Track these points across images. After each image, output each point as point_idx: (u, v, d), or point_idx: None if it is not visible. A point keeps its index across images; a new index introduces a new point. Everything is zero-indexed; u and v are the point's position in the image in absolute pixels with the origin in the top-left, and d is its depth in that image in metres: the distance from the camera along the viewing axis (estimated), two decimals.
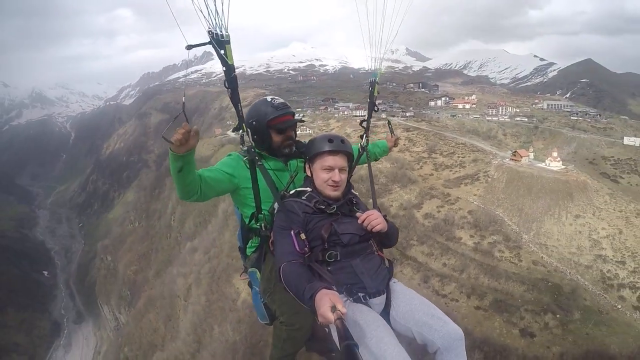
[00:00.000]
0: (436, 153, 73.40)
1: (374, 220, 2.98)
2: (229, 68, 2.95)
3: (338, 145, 3.20)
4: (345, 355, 1.92)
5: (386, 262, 3.20)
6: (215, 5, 2.67)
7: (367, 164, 4.37)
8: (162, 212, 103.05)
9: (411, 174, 64.35)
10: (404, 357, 2.46)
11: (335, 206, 3.11)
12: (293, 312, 3.28)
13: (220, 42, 2.83)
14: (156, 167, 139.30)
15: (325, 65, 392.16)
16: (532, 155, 71.57)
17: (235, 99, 3.12)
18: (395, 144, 4.78)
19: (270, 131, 3.45)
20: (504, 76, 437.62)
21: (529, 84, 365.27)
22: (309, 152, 3.29)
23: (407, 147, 75.78)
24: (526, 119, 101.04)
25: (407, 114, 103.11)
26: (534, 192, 57.69)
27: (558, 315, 37.61)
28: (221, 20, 2.78)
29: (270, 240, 3.21)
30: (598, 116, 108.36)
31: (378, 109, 4.31)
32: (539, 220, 52.74)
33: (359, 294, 2.86)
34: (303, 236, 2.90)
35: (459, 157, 71.43)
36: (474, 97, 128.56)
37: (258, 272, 3.56)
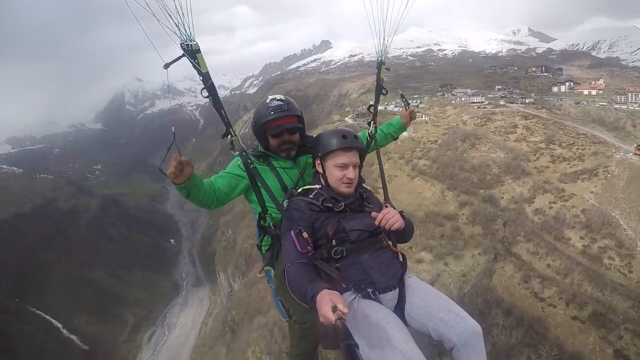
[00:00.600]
0: (554, 144, 67.40)
1: (391, 219, 2.89)
2: (204, 76, 2.97)
3: (352, 142, 3.15)
4: (346, 355, 1.90)
5: (399, 256, 3.14)
6: (180, 18, 2.72)
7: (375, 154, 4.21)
8: None
9: (526, 166, 59.92)
10: (416, 352, 2.41)
11: (343, 204, 3.07)
12: (304, 310, 3.21)
13: (191, 53, 2.87)
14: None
15: (444, 50, 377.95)
16: None
17: (217, 106, 3.11)
18: (412, 117, 4.33)
19: (266, 134, 3.44)
20: (637, 57, 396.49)
21: None
22: (320, 149, 3.20)
23: (524, 137, 71.37)
24: None
25: (527, 101, 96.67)
26: None
27: None
28: (187, 31, 2.81)
29: (281, 240, 3.15)
30: None
31: (387, 92, 4.09)
32: None
33: (368, 289, 2.82)
34: (305, 235, 2.87)
35: (578, 149, 65.24)
36: (601, 82, 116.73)
37: (272, 271, 3.58)
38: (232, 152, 3.37)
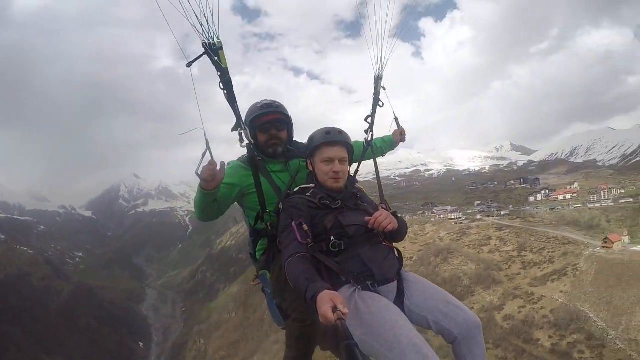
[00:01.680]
0: (526, 250, 71.45)
1: (384, 221, 2.92)
2: (223, 71, 3.10)
3: (335, 136, 3.21)
4: (346, 355, 1.90)
5: (395, 251, 3.14)
6: (206, 18, 2.88)
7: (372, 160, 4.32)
8: (257, 306, 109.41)
9: (496, 275, 62.72)
10: (420, 339, 2.42)
11: (340, 201, 3.11)
12: (304, 308, 3.15)
13: (213, 50, 3.03)
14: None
15: (431, 170, 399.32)
16: (626, 238, 67.00)
17: (231, 99, 3.23)
18: (402, 139, 4.76)
19: (256, 131, 3.54)
20: (612, 156, 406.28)
21: (639, 158, 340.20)
22: (308, 148, 3.31)
23: (497, 247, 74.65)
24: (631, 200, 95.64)
25: (503, 213, 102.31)
26: (625, 280, 53.33)
27: None
28: (212, 30, 2.98)
29: (278, 240, 3.15)
30: None
31: (383, 104, 4.35)
32: (629, 312, 48.05)
33: (367, 282, 2.83)
34: (305, 227, 2.89)
35: (548, 252, 68.80)
36: (576, 185, 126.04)
37: (268, 274, 3.57)
38: (240, 144, 3.41)
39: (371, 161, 4.32)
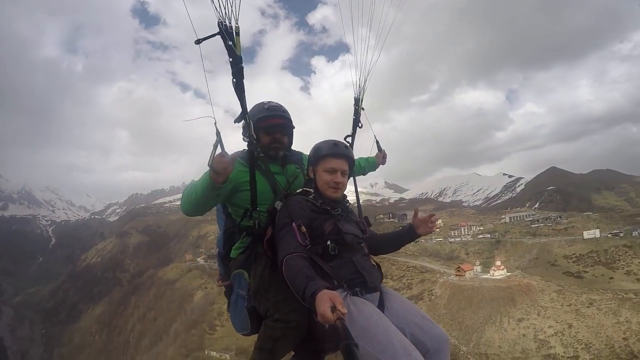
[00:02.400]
0: (387, 277, 76.90)
1: (434, 223, 3.45)
2: (236, 59, 2.94)
3: (342, 150, 3.29)
4: (345, 355, 1.91)
5: (377, 266, 3.29)
6: None
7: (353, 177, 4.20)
8: (122, 328, 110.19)
9: None
10: (409, 344, 2.51)
11: (340, 208, 3.21)
12: (291, 309, 3.02)
13: (229, 33, 2.85)
14: (129, 287, 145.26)
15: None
16: (479, 268, 76.17)
17: (239, 89, 3.08)
18: (383, 162, 4.99)
19: (260, 131, 3.46)
20: (477, 198, 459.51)
21: (499, 201, 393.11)
22: (313, 156, 3.33)
23: None
24: (489, 235, 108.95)
25: None
26: (475, 303, 60.37)
27: None
28: (231, 11, 2.79)
29: (265, 239, 3.15)
30: (559, 218, 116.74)
31: (362, 125, 4.47)
32: (479, 330, 54.85)
33: (356, 288, 2.91)
34: (304, 229, 2.91)
35: (407, 279, 76.55)
36: (439, 222, 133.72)
37: (245, 274, 3.41)
38: (243, 138, 3.36)
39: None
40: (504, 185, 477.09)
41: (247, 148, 3.35)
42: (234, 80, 3.01)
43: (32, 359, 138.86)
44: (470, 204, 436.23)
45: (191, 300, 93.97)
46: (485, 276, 71.27)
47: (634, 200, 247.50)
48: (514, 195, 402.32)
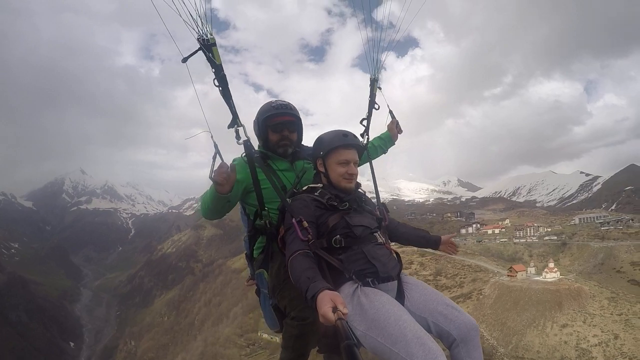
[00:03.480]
0: (441, 275, 77.81)
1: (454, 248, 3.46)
2: (217, 68, 3.08)
3: (353, 140, 3.25)
4: (346, 355, 1.89)
5: (394, 254, 3.19)
6: (198, 14, 2.88)
7: (369, 163, 4.31)
8: (189, 311, 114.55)
9: None
10: (424, 332, 2.41)
11: (347, 203, 3.11)
12: (305, 306, 2.88)
13: (207, 46, 3.01)
14: (202, 276, 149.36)
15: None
16: (532, 269, 72.93)
17: (226, 96, 3.18)
18: (399, 130, 4.73)
19: (268, 129, 3.51)
20: (552, 197, 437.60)
21: (574, 201, 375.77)
22: (322, 148, 3.25)
23: (416, 271, 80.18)
24: (555, 237, 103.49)
25: None
26: (520, 305, 58.14)
27: None
28: (205, 27, 2.99)
29: (279, 237, 3.14)
30: (630, 221, 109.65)
31: (379, 107, 4.36)
32: (520, 333, 52.81)
33: (368, 278, 2.82)
34: (305, 224, 2.87)
35: (460, 278, 74.93)
36: (507, 221, 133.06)
37: (265, 273, 3.49)
38: (237, 142, 3.34)
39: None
40: (580, 185, 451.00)
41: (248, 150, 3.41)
42: (219, 87, 3.18)
43: (105, 337, 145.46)
44: (545, 204, 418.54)
45: (253, 288, 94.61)
46: (537, 278, 68.30)
47: None
48: (590, 195, 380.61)
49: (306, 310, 3.12)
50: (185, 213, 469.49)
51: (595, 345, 48.28)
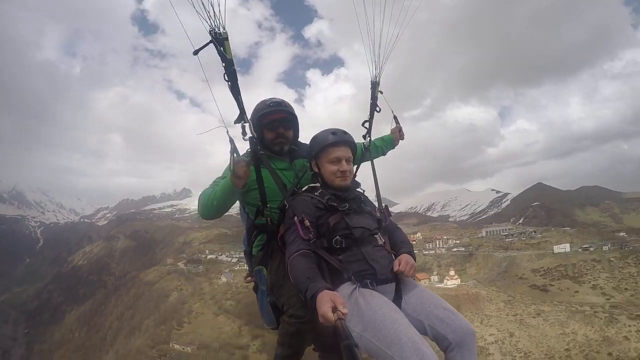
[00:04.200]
0: None
1: (409, 271, 2.95)
2: (228, 62, 2.97)
3: (342, 137, 3.23)
4: (346, 355, 1.88)
5: (393, 256, 3.12)
6: (212, 7, 2.78)
7: (370, 162, 4.22)
8: (101, 325, 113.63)
9: None
10: (419, 337, 2.41)
11: (347, 204, 3.11)
12: (302, 304, 2.95)
13: (219, 40, 2.90)
14: (114, 289, 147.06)
15: None
16: (435, 277, 79.70)
17: (235, 92, 3.06)
18: (401, 136, 4.76)
19: (263, 128, 3.50)
20: (464, 213, 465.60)
21: (485, 216, 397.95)
22: (313, 148, 3.28)
23: None
24: (463, 249, 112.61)
25: None
26: None
27: None
28: (218, 20, 2.85)
29: (279, 235, 3.18)
30: (533, 232, 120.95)
31: (380, 109, 4.27)
32: None
33: (367, 280, 2.82)
34: (307, 222, 2.89)
35: None
36: (418, 235, 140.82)
37: (264, 269, 3.47)
38: (243, 138, 3.23)
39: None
40: (491, 201, 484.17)
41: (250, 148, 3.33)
42: (229, 83, 3.07)
43: (13, 356, 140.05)
44: (457, 219, 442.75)
45: (166, 300, 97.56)
46: (438, 285, 74.21)
47: (617, 217, 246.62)
48: (499, 210, 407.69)
49: (303, 308, 3.13)
50: (98, 223, 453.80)
51: (492, 343, 53.59)
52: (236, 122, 3.17)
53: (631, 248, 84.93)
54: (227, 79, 3.01)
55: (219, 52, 2.92)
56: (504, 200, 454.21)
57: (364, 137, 4.19)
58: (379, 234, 3.14)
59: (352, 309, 2.57)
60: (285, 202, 3.21)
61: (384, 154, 4.73)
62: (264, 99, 3.63)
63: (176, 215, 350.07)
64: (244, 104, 3.12)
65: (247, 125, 3.17)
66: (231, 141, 3.02)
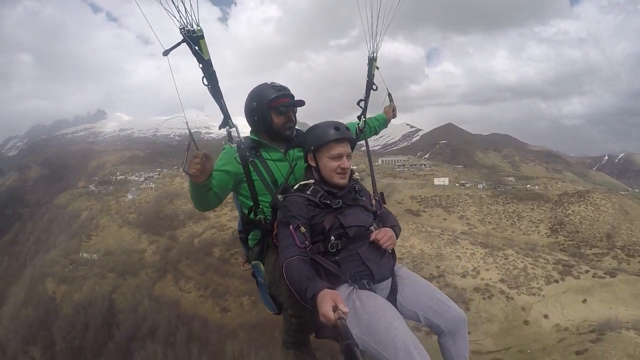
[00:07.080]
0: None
1: (386, 242, 2.92)
2: (206, 64, 2.78)
3: (344, 133, 3.13)
4: (346, 354, 1.89)
5: (389, 250, 3.10)
6: (183, 2, 2.54)
7: (365, 146, 4.45)
8: (20, 253, 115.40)
9: (206, 214, 77.32)
10: (414, 340, 2.47)
11: (340, 201, 3.05)
12: (301, 305, 2.83)
13: (193, 38, 2.69)
14: (29, 216, 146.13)
15: (211, 134, 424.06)
16: None
17: (216, 95, 2.93)
18: (394, 115, 4.72)
19: (271, 112, 3.33)
20: (377, 143, 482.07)
21: (395, 148, 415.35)
22: (313, 142, 3.15)
23: None
24: (357, 174, 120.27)
25: None
26: None
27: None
28: (191, 16, 2.61)
29: (274, 233, 3.11)
30: (423, 166, 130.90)
31: (377, 87, 4.13)
32: None
33: (363, 280, 2.85)
34: (303, 229, 2.82)
35: None
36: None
37: (261, 265, 3.46)
38: (229, 144, 3.20)
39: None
40: (403, 135, 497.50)
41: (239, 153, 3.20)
42: (209, 86, 2.89)
43: None
44: (370, 148, 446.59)
45: (77, 220, 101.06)
46: None
47: (516, 164, 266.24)
48: (409, 144, 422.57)
49: (302, 309, 3.12)
50: (8, 154, 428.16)
51: None
52: (220, 127, 3.14)
53: (503, 189, 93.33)
54: (206, 82, 2.89)
55: (194, 53, 2.76)
56: (414, 135, 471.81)
57: (359, 117, 4.20)
58: (374, 226, 3.13)
59: (350, 312, 2.62)
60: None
61: (377, 133, 4.71)
62: (264, 83, 3.49)
63: (90, 139, 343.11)
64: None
65: (232, 130, 3.16)
66: (190, 135, 2.76)
